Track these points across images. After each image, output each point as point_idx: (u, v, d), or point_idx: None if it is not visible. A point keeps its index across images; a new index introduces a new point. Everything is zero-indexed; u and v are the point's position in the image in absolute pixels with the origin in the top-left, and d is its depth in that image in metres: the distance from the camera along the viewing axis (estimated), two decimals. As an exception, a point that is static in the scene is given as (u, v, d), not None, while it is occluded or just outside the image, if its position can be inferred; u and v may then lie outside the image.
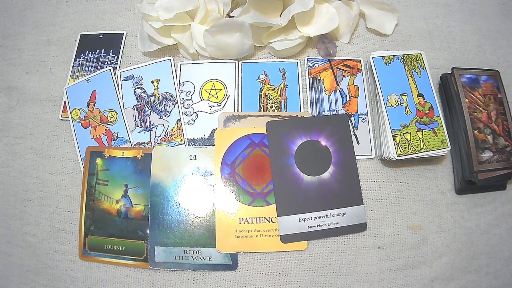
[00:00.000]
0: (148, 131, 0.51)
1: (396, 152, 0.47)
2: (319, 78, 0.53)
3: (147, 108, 0.52)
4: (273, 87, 0.52)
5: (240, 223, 0.46)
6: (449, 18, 0.58)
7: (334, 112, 0.51)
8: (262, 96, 0.52)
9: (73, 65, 0.56)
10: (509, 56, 0.57)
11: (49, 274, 0.49)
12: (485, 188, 0.50)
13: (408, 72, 0.51)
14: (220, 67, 0.53)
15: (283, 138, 0.48)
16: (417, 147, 0.47)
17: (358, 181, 0.48)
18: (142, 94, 0.53)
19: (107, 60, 0.55)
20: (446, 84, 0.52)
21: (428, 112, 0.49)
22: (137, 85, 0.53)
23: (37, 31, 0.60)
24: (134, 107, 0.52)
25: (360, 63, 0.53)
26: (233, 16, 0.50)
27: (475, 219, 0.49)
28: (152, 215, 0.47)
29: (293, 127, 0.49)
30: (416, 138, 0.47)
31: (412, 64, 0.51)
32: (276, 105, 0.51)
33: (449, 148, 0.48)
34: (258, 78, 0.53)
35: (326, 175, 0.47)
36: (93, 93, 0.53)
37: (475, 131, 0.49)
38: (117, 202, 0.48)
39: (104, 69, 0.54)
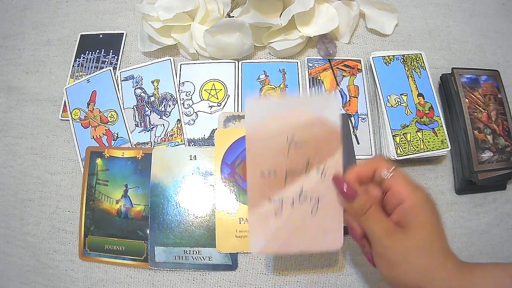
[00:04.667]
0: (148, 131, 0.51)
1: (396, 152, 0.47)
2: (319, 78, 0.53)
3: (147, 108, 0.52)
4: (273, 87, 0.52)
5: (240, 223, 0.46)
6: (449, 18, 0.59)
7: (334, 112, 0.51)
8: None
9: (73, 65, 0.56)
10: (509, 56, 0.57)
11: (49, 274, 0.49)
12: (485, 188, 0.50)
13: (408, 72, 0.51)
14: (220, 67, 0.53)
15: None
16: (417, 147, 0.47)
17: (358, 181, 0.48)
18: (142, 94, 0.53)
19: (107, 60, 0.55)
20: (446, 84, 0.52)
21: (428, 112, 0.49)
22: (137, 85, 0.53)
23: (37, 31, 0.60)
24: (134, 107, 0.52)
25: (360, 63, 0.53)
26: (233, 16, 0.50)
27: (475, 219, 0.49)
28: (152, 215, 0.47)
29: (293, 127, 0.49)
30: (416, 138, 0.47)
31: (412, 64, 0.51)
32: (276, 105, 0.51)
33: (449, 148, 0.48)
34: (258, 78, 0.53)
35: (326, 175, 0.47)
36: (93, 93, 0.53)
37: (475, 131, 0.49)
38: (117, 202, 0.48)
39: (104, 69, 0.54)
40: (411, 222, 0.31)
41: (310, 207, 0.33)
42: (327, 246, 0.34)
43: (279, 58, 0.54)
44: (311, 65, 0.53)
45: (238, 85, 0.52)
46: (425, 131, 0.48)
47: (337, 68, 0.53)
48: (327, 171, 0.33)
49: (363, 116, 0.51)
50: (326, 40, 0.53)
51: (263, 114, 0.32)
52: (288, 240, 0.34)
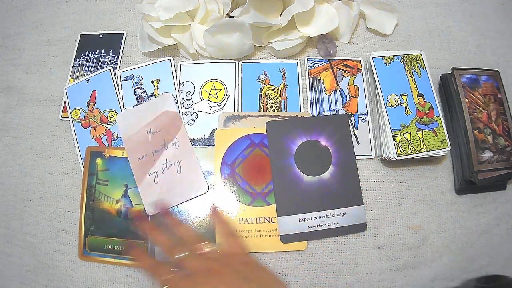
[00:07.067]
0: (148, 131, 0.51)
1: (396, 152, 0.47)
2: (319, 78, 0.53)
3: (147, 108, 0.52)
4: (273, 87, 0.52)
5: (240, 223, 0.46)
6: (449, 18, 0.58)
7: (334, 112, 0.51)
8: (262, 96, 0.52)
9: (73, 65, 0.56)
10: (509, 56, 0.57)
11: (49, 274, 0.48)
12: (485, 188, 0.50)
13: (408, 72, 0.51)
14: (220, 67, 0.53)
15: (283, 138, 0.48)
16: (417, 147, 0.47)
17: (358, 181, 0.48)
18: (142, 94, 0.53)
19: (107, 60, 0.55)
20: (446, 84, 0.52)
21: (428, 112, 0.49)
22: (137, 85, 0.53)
23: (37, 31, 0.60)
24: (134, 107, 0.52)
25: (360, 63, 0.53)
26: (233, 16, 0.50)
27: (475, 219, 0.49)
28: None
29: (293, 127, 0.49)
30: (416, 138, 0.47)
31: (412, 64, 0.51)
32: (276, 105, 0.51)
33: (449, 148, 0.48)
34: (258, 78, 0.53)
35: (326, 175, 0.47)
36: (93, 93, 0.53)
37: (475, 131, 0.49)
38: (117, 202, 0.48)
39: (104, 69, 0.54)
40: None
41: (175, 169, 0.48)
42: (196, 192, 0.47)
43: (279, 58, 0.54)
44: (311, 65, 0.53)
45: (238, 85, 0.52)
46: (425, 131, 0.48)
47: (337, 68, 0.53)
48: (178, 142, 0.49)
49: (363, 116, 0.51)
50: (326, 40, 0.53)
51: (129, 121, 0.50)
52: (169, 196, 0.47)
